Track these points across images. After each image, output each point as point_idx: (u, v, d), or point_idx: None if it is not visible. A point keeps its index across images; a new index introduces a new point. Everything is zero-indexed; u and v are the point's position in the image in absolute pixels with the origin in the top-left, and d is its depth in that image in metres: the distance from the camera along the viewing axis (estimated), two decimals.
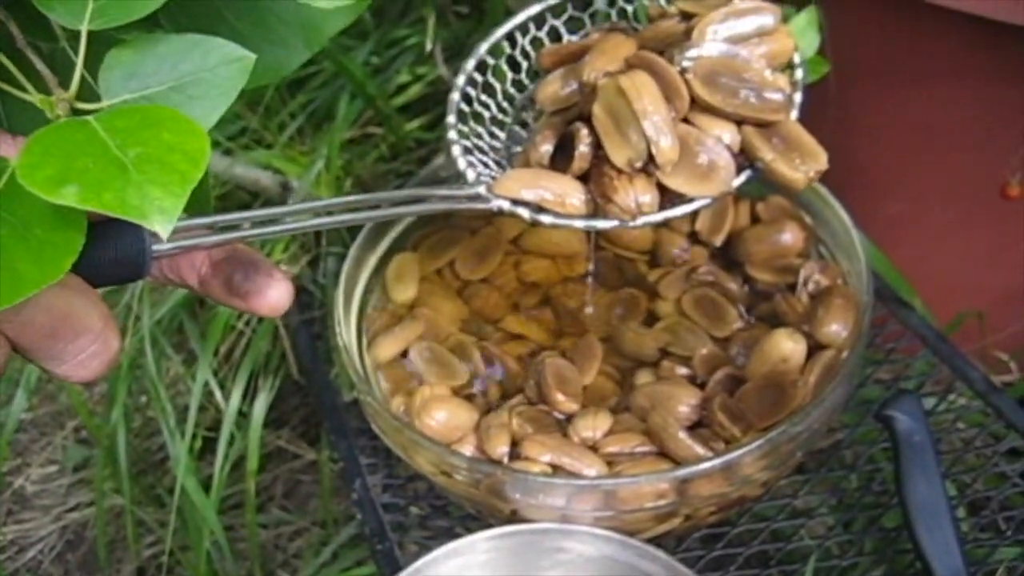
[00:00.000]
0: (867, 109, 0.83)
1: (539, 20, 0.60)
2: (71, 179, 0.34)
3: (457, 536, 0.56)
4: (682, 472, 0.54)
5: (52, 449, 1.10)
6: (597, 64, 0.54)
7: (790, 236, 0.65)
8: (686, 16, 0.55)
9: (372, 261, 0.67)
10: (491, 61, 0.59)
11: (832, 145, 0.53)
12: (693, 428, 0.58)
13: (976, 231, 0.83)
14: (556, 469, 0.56)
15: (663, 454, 0.57)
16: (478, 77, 0.58)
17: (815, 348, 0.60)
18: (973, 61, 0.72)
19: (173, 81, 0.39)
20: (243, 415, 0.85)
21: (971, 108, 0.77)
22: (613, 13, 0.60)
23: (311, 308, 0.79)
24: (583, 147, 0.52)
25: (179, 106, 0.38)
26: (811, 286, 0.62)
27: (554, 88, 0.57)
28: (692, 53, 0.52)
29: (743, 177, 0.52)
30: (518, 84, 0.61)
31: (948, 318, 0.77)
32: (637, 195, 0.50)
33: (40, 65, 0.40)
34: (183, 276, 0.42)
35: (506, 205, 0.51)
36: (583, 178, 0.53)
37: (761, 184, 0.69)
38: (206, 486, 0.89)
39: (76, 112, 0.39)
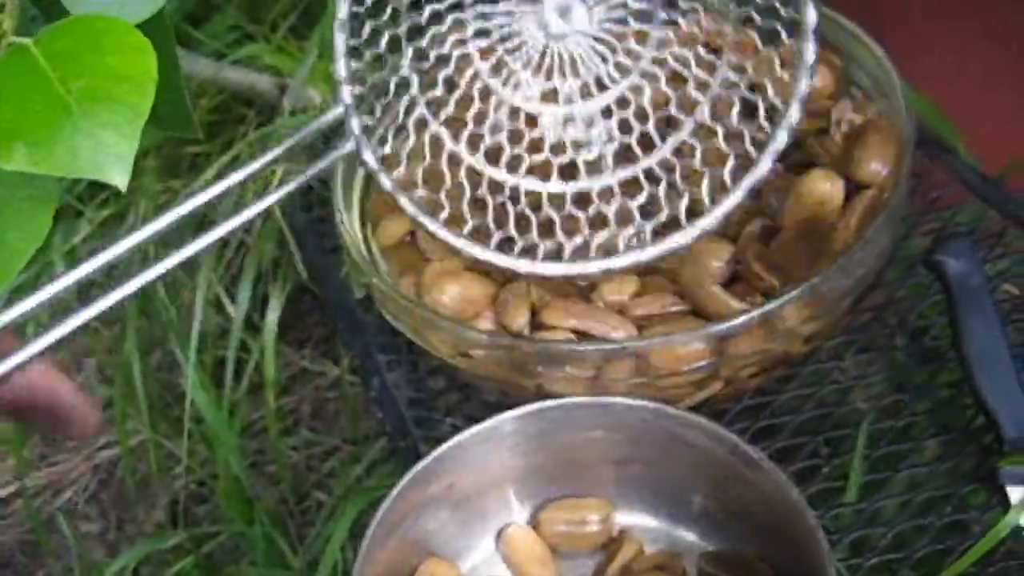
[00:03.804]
0: None
1: None
2: (20, 134, 0.33)
3: None
4: (720, 327, 0.49)
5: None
6: None
7: (818, 78, 0.60)
8: None
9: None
10: None
11: None
12: (728, 285, 0.54)
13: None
14: (582, 336, 0.52)
15: (697, 313, 0.52)
16: None
17: (854, 190, 0.55)
18: None
19: None
20: (257, 330, 0.82)
21: None
22: None
23: (316, 207, 0.75)
24: None
25: None
26: (844, 126, 0.58)
27: None
28: None
29: None
30: None
31: (992, 172, 0.72)
32: None
33: None
34: None
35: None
36: None
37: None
38: (232, 412, 0.86)
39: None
